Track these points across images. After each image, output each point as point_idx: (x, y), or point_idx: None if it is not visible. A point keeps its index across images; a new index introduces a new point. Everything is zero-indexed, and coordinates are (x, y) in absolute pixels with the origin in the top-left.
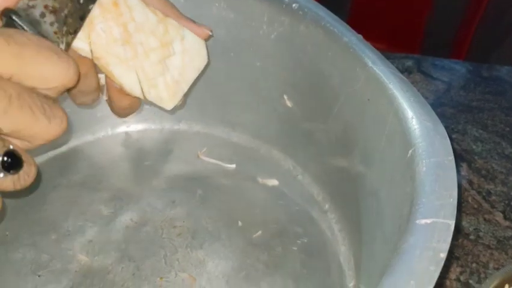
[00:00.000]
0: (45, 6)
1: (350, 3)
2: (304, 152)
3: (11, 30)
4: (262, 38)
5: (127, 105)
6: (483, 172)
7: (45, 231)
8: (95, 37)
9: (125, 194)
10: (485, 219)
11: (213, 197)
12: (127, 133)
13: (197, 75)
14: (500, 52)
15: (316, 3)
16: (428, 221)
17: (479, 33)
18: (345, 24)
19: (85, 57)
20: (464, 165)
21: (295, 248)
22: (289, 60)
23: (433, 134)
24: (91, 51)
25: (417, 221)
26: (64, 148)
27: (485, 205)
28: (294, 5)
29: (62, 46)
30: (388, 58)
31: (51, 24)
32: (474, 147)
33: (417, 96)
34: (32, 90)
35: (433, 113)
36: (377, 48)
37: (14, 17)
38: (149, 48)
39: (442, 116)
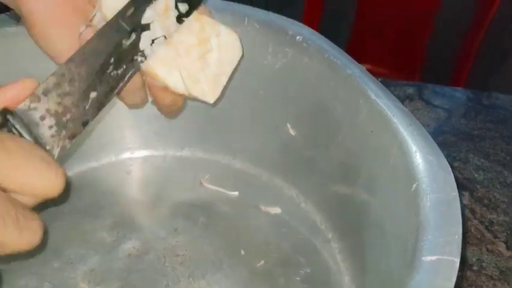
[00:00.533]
0: (47, 110)
1: (351, 28)
2: (307, 180)
3: (2, 135)
4: (266, 67)
5: (170, 101)
6: (485, 201)
7: (48, 259)
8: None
9: (128, 221)
10: (488, 249)
11: (216, 225)
12: (130, 159)
13: (233, 67)
14: (499, 78)
15: (320, 35)
16: (434, 258)
17: (478, 59)
18: (348, 56)
19: None
20: (467, 194)
21: (298, 278)
22: (293, 89)
23: (437, 169)
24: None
25: (423, 258)
26: (67, 174)
27: (488, 235)
28: (298, 37)
29: (57, 151)
30: (389, 85)
31: (50, 127)
32: (476, 175)
33: (420, 130)
34: (10, 197)
35: (436, 147)
36: (378, 73)
37: (9, 118)
38: (189, 46)
39: (444, 144)
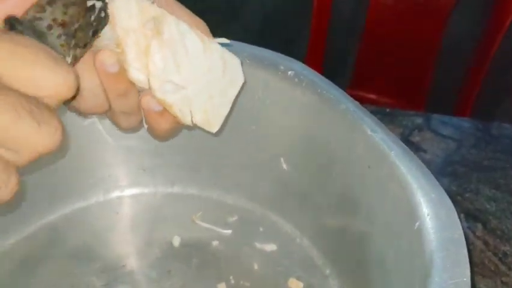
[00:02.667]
0: (54, 20)
1: (355, 58)
2: (302, 215)
3: (11, 33)
4: (257, 102)
5: (168, 128)
6: (498, 233)
7: None
8: (152, 67)
9: (119, 263)
10: (502, 282)
11: (210, 265)
12: (119, 198)
13: (235, 94)
14: (505, 108)
15: (312, 70)
16: None
17: (484, 89)
18: (341, 91)
19: (123, 74)
20: (479, 226)
21: None
22: (285, 124)
23: (439, 207)
24: (148, 81)
25: None
26: (53, 216)
27: (502, 267)
28: (289, 72)
29: (69, 59)
30: (397, 115)
31: (58, 36)
32: (488, 206)
33: (420, 166)
34: (20, 91)
35: (437, 183)
36: (383, 103)
37: (17, 26)
38: (199, 73)
39: (454, 175)
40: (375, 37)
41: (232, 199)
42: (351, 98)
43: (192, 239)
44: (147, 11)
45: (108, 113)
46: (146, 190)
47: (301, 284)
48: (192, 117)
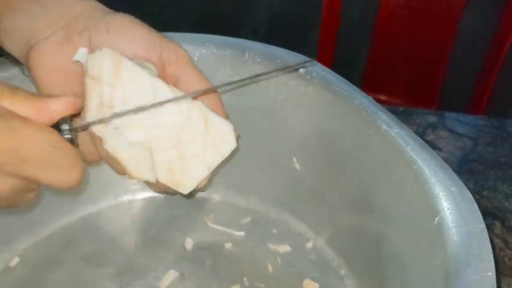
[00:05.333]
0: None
1: (365, 58)
2: (316, 215)
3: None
4: (268, 101)
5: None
6: None
7: None
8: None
9: (132, 267)
10: None
11: (223, 268)
12: (130, 202)
13: (221, 160)
14: None
15: (323, 66)
16: None
17: (497, 86)
18: (354, 86)
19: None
20: (498, 224)
21: None
22: (298, 122)
23: (460, 200)
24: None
25: None
26: (65, 220)
27: None
28: (300, 70)
29: None
30: (411, 114)
31: None
32: (506, 204)
33: (437, 160)
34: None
35: (456, 177)
36: (395, 103)
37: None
38: (168, 133)
39: (471, 173)
40: (386, 36)
41: (245, 200)
42: (365, 94)
43: (204, 241)
44: (122, 67)
45: None
46: (157, 193)
47: (316, 285)
48: (153, 174)
